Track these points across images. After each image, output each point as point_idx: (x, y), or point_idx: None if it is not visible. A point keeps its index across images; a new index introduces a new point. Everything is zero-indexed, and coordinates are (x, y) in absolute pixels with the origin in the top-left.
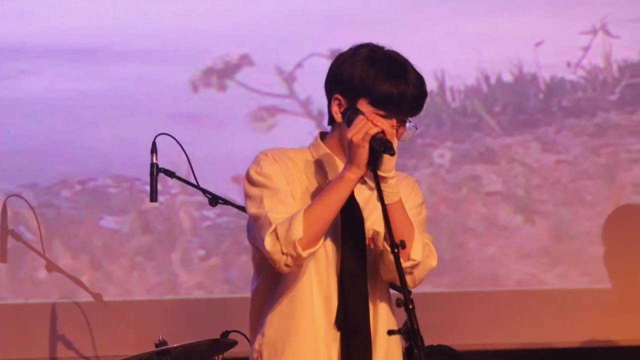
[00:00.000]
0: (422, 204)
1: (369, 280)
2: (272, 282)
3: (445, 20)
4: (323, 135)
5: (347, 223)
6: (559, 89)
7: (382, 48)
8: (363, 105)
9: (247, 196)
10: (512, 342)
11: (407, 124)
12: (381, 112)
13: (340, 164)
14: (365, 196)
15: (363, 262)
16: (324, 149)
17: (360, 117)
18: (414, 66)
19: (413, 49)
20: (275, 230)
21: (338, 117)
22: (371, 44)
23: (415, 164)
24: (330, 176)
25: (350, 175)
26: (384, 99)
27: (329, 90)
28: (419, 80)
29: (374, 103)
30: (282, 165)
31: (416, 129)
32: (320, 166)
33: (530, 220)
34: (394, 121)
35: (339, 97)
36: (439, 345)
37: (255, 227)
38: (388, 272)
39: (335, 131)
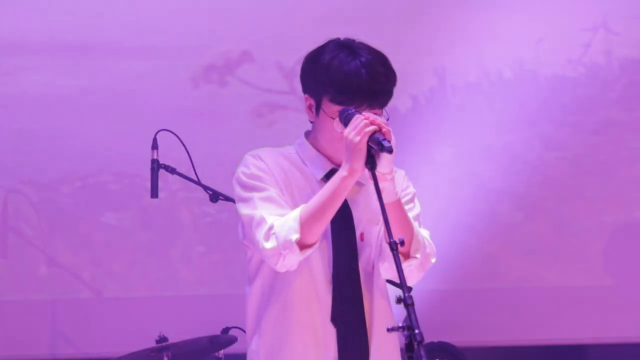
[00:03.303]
0: (415, 196)
1: (362, 276)
2: (268, 282)
3: (446, 17)
4: (308, 134)
5: (336, 220)
6: (560, 86)
7: (349, 42)
8: (326, 103)
9: (238, 198)
10: (513, 339)
11: (382, 115)
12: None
13: (323, 161)
14: (353, 192)
15: (355, 259)
16: (308, 147)
17: (357, 116)
18: (380, 59)
19: (414, 45)
20: (272, 231)
21: (310, 116)
22: (339, 39)
23: (416, 161)
24: (315, 173)
25: (347, 175)
26: (341, 96)
27: (302, 89)
28: (379, 73)
29: (334, 100)
30: (270, 164)
31: (387, 118)
32: (305, 164)
33: (531, 217)
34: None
35: (308, 97)
36: (439, 342)
37: (250, 228)
38: (389, 270)
39: (313, 127)
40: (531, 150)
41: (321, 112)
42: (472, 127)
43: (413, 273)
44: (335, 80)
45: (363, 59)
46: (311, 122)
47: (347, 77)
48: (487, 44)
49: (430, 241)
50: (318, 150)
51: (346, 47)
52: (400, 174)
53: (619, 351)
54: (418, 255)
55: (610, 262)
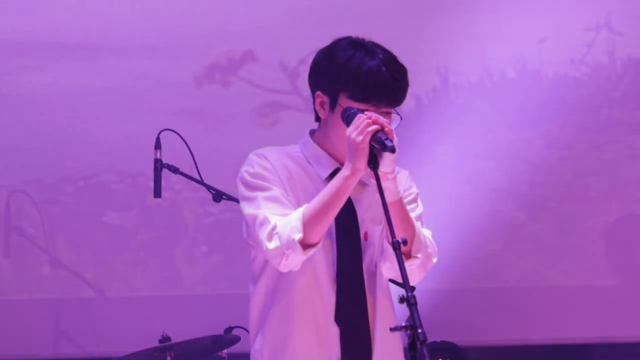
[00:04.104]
0: (418, 196)
1: (366, 275)
2: (272, 282)
3: (448, 16)
4: (313, 133)
5: (341, 220)
6: (563, 86)
7: (361, 41)
8: (343, 100)
9: (242, 198)
10: (516, 339)
11: (393, 115)
12: (362, 106)
13: (329, 160)
14: (357, 191)
15: (359, 259)
16: (313, 146)
17: (359, 115)
18: (395, 58)
19: (416, 45)
20: (275, 230)
21: (322, 114)
22: (350, 37)
23: (419, 160)
24: (320, 173)
25: (350, 175)
26: (362, 94)
27: (311, 87)
28: (398, 72)
29: (354, 98)
30: (275, 164)
31: (401, 118)
32: (310, 163)
33: (534, 217)
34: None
35: (320, 94)
36: (442, 342)
37: (253, 228)
38: (390, 270)
39: (321, 127)
40: (534, 150)
41: (337, 108)
42: (474, 126)
43: (414, 273)
44: (356, 78)
45: (382, 57)
46: (317, 120)
47: (369, 75)
48: (490, 44)
49: (432, 241)
50: (323, 149)
51: (361, 46)
52: (403, 174)
53: (621, 351)
54: (419, 255)
55: (613, 262)
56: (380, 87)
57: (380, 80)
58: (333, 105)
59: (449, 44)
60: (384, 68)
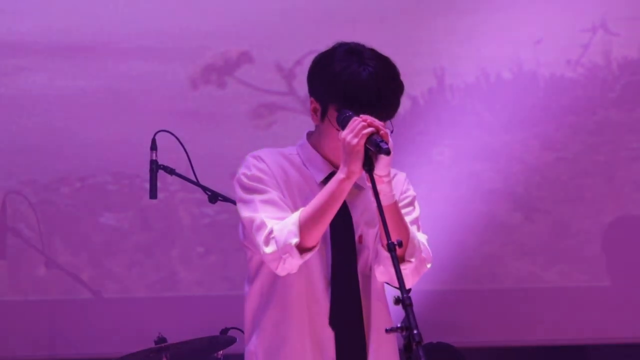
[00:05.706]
0: (415, 200)
1: (361, 279)
2: (267, 283)
3: (444, 18)
4: (310, 135)
5: (336, 223)
6: (559, 87)
7: (359, 49)
8: (333, 112)
9: (239, 200)
10: (511, 340)
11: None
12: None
13: (324, 164)
14: (352, 195)
15: (353, 261)
16: (310, 149)
17: (354, 118)
18: (389, 72)
19: (413, 46)
20: (272, 235)
21: (314, 119)
22: (349, 45)
23: (415, 161)
24: (316, 176)
25: (345, 178)
26: (350, 108)
27: (308, 89)
28: (388, 88)
29: (342, 110)
30: (271, 165)
31: (391, 131)
32: (306, 166)
33: (530, 218)
34: None
35: (313, 100)
36: (438, 343)
37: (250, 231)
38: (384, 274)
39: (316, 130)
40: (530, 151)
41: (327, 119)
42: (470, 127)
43: (408, 277)
44: (344, 92)
45: (372, 70)
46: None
47: (357, 91)
48: (486, 45)
49: (427, 246)
50: (319, 152)
51: (356, 56)
52: (401, 177)
53: (618, 351)
54: (413, 260)
55: (609, 263)
56: (366, 103)
57: (367, 97)
58: (324, 113)
59: (445, 45)
60: (372, 83)
